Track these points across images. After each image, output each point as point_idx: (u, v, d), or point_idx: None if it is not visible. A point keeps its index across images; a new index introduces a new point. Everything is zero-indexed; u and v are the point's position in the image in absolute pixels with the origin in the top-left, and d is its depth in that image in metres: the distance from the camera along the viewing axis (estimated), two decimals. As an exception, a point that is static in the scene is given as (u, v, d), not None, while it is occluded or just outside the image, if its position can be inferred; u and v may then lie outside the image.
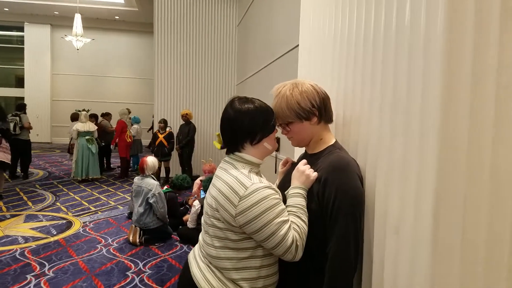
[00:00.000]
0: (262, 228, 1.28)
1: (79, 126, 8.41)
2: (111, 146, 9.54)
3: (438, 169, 1.05)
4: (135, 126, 9.60)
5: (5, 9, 15.27)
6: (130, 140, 9.13)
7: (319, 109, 1.46)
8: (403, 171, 1.19)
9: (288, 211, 1.36)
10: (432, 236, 1.06)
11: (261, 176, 1.42)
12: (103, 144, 9.39)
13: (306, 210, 1.38)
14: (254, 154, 1.43)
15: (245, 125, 1.38)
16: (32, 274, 3.76)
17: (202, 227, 1.50)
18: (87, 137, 8.43)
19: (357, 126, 1.53)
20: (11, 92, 17.08)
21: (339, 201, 1.32)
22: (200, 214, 4.65)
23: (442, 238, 1.05)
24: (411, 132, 1.15)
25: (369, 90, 1.42)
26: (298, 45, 4.32)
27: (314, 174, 1.41)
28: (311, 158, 1.51)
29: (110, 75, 17.70)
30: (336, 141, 1.52)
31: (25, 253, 4.28)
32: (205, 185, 4.76)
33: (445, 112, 1.04)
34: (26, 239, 4.73)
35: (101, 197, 7.20)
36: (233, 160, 1.42)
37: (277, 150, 4.38)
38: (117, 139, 9.05)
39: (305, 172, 1.42)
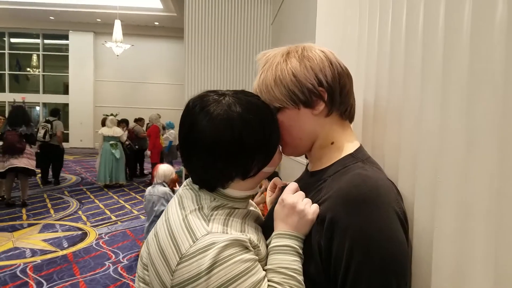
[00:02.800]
0: None
1: (104, 130, 8.25)
2: (148, 151, 9.30)
3: None
4: (172, 131, 9.23)
5: (50, 17, 15.69)
6: (163, 145, 8.84)
7: (330, 90, 0.87)
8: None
9: (268, 282, 0.77)
10: None
11: (243, 218, 0.85)
12: (136, 147, 9.19)
13: (301, 279, 0.78)
14: (242, 188, 0.86)
15: (237, 152, 0.80)
16: (25, 295, 3.39)
17: None
18: (111, 142, 8.23)
19: (396, 120, 0.90)
20: (58, 98, 17.50)
21: (358, 266, 0.72)
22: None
23: None
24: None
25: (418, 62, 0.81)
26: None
27: (313, 210, 0.80)
28: (312, 178, 0.91)
29: (149, 81, 17.73)
30: (360, 148, 0.90)
31: (27, 269, 3.93)
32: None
33: None
34: (34, 253, 4.41)
35: (126, 205, 6.88)
36: None
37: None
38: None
39: (296, 206, 0.81)
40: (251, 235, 0.81)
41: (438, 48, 0.75)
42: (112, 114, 8.90)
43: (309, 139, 0.90)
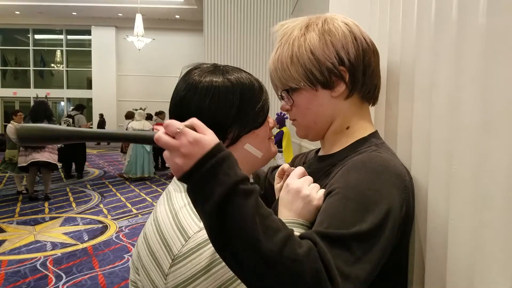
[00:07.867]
0: None
1: (134, 124, 8.31)
2: None
3: None
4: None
5: (73, 13, 15.90)
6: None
7: (353, 70, 0.78)
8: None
9: None
10: None
11: None
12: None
13: None
14: None
15: (204, 112, 0.76)
16: (44, 289, 3.37)
17: None
18: None
19: (409, 100, 0.83)
20: (81, 93, 17.80)
21: (337, 194, 0.70)
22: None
23: None
24: None
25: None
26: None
27: (319, 196, 0.73)
28: (321, 163, 0.85)
29: (170, 75, 17.81)
30: (375, 133, 0.84)
31: (47, 262, 3.93)
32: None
33: None
34: (54, 246, 4.41)
35: (147, 198, 6.87)
36: None
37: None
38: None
39: (301, 191, 0.73)
40: None
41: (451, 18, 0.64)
42: (141, 108, 8.94)
43: (324, 123, 0.83)
